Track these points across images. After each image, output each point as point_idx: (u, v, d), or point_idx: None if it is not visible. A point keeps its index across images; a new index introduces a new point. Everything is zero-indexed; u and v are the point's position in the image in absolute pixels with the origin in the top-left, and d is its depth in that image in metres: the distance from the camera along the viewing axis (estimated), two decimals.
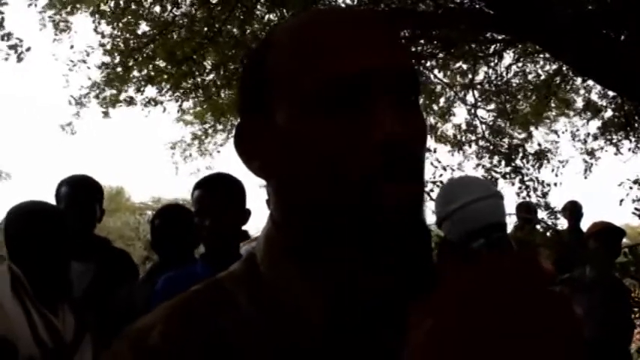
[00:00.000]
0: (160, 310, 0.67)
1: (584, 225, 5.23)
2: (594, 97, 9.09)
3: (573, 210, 5.41)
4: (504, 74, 8.60)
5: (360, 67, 0.61)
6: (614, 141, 8.72)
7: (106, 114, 7.39)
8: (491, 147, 8.65)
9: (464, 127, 9.21)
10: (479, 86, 8.75)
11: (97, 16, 6.89)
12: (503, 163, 7.81)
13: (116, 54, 6.91)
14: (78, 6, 6.98)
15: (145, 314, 0.68)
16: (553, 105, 9.65)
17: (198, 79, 7.26)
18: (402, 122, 0.61)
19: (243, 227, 2.43)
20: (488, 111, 9.12)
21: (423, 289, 0.55)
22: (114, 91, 7.21)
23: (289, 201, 0.67)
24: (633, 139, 8.28)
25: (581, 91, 9.38)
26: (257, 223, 2.74)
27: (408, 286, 0.60)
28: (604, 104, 8.78)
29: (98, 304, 2.45)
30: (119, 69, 6.97)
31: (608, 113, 8.77)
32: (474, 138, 8.96)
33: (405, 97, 0.64)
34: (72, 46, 7.03)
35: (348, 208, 0.61)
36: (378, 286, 0.63)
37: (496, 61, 8.26)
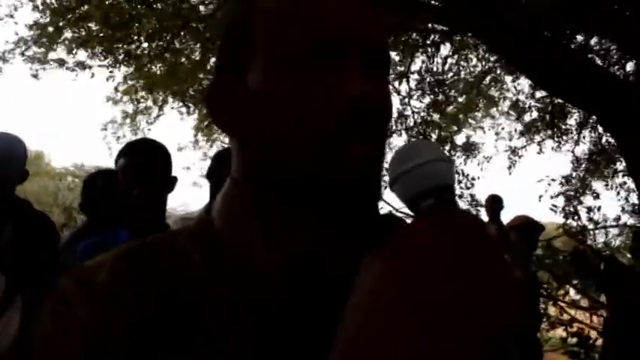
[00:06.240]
0: (109, 253, 0.66)
1: (504, 218, 5.41)
2: (522, 97, 9.38)
3: (493, 203, 5.59)
4: (440, 67, 8.75)
5: (340, 30, 0.64)
6: (538, 140, 9.03)
7: (35, 76, 7.06)
8: (421, 137, 8.78)
9: (395, 116, 9.29)
10: (413, 76, 8.86)
11: None
12: None
13: (48, 12, 6.58)
14: None
15: None
16: (479, 103, 9.90)
17: (132, 46, 7.03)
18: (372, 86, 0.63)
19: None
20: (421, 102, 9.25)
21: (375, 246, 0.57)
22: (42, 50, 6.88)
23: (253, 157, 0.67)
24: (556, 139, 8.60)
25: (510, 93, 9.66)
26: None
27: (363, 247, 0.59)
28: (531, 104, 9.07)
29: (13, 266, 2.35)
30: (50, 28, 6.63)
31: (534, 114, 9.07)
32: (404, 127, 9.07)
33: (377, 69, 0.66)
34: None
35: (312, 163, 0.62)
36: (335, 246, 0.64)
37: (433, 51, 8.38)
